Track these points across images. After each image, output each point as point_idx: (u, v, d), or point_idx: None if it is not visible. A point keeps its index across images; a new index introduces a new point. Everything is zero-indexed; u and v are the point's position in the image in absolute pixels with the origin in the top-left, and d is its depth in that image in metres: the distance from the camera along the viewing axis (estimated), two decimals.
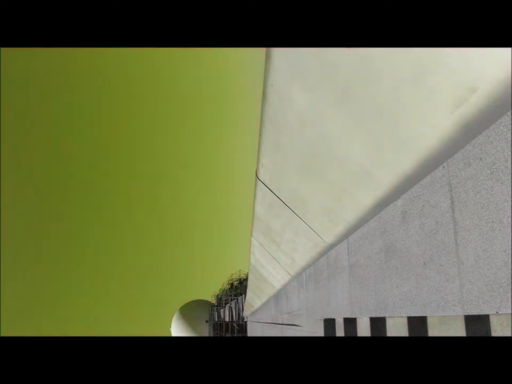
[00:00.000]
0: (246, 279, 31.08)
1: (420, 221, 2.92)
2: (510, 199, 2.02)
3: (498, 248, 2.11)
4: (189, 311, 46.46)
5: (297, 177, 4.05)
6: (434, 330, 2.77)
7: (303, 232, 5.10)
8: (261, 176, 4.98)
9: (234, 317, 37.54)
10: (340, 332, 4.94)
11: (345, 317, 4.73)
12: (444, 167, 2.59)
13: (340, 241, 4.64)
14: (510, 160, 2.02)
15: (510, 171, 2.02)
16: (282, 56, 2.70)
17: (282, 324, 10.57)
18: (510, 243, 2.02)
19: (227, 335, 36.65)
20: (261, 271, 10.51)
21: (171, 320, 47.04)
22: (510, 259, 2.02)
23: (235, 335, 35.23)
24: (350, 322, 4.53)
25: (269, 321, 14.18)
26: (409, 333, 3.13)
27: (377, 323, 3.74)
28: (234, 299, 37.61)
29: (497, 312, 2.12)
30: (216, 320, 41.10)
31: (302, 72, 2.66)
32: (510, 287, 2.01)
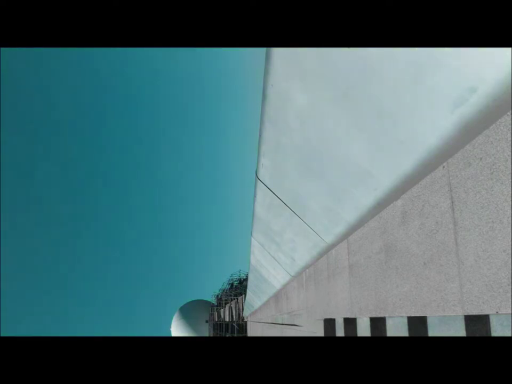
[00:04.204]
0: (246, 279, 31.09)
1: (419, 221, 2.92)
2: (510, 199, 2.02)
3: (498, 248, 2.11)
4: (189, 311, 46.50)
5: (297, 177, 4.05)
6: (434, 330, 2.77)
7: (303, 232, 5.10)
8: (261, 176, 4.98)
9: (234, 317, 37.54)
10: (340, 332, 4.94)
11: (345, 317, 4.73)
12: (443, 167, 2.59)
13: (339, 241, 4.64)
14: (510, 160, 2.02)
15: (510, 171, 2.02)
16: (282, 56, 2.70)
17: (282, 324, 10.57)
18: (510, 243, 2.02)
19: (227, 335, 36.65)
20: (261, 271, 10.51)
21: (171, 320, 47.07)
22: (510, 259, 2.02)
23: (235, 335, 35.22)
24: (350, 322, 4.53)
25: (269, 321, 14.17)
26: (409, 333, 3.13)
27: (377, 323, 3.74)
28: (234, 299, 37.61)
29: (497, 312, 2.12)
30: (216, 320, 41.09)
31: (302, 72, 2.66)
32: (510, 287, 2.01)
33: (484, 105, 1.88)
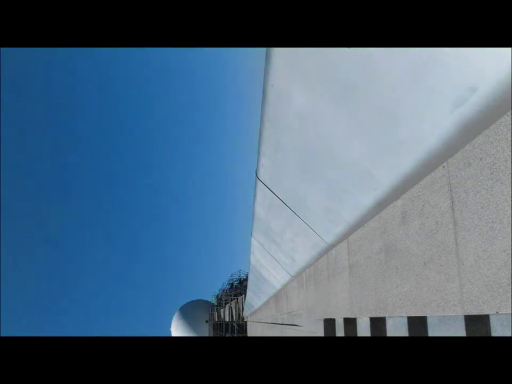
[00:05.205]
0: (246, 279, 31.10)
1: (419, 221, 2.92)
2: (510, 199, 2.02)
3: (498, 248, 2.11)
4: (189, 311, 46.50)
5: (297, 177, 4.05)
6: (434, 330, 2.77)
7: (303, 232, 5.10)
8: (261, 176, 4.98)
9: (234, 317, 37.55)
10: (340, 332, 4.94)
11: (345, 317, 4.73)
12: (443, 167, 2.59)
13: (339, 241, 4.64)
14: (510, 160, 2.02)
15: (510, 171, 2.02)
16: (282, 56, 2.70)
17: (282, 324, 10.57)
18: (510, 243, 2.02)
19: (227, 335, 36.65)
20: (261, 271, 10.51)
21: (171, 320, 47.08)
22: (510, 259, 2.01)
23: (235, 335, 35.23)
24: (350, 322, 4.53)
25: (269, 321, 14.17)
26: (409, 333, 3.13)
27: (377, 323, 3.74)
28: (234, 299, 37.62)
29: (497, 312, 2.12)
30: (216, 320, 41.10)
31: (302, 72, 2.66)
32: (510, 287, 2.01)
33: (483, 105, 1.87)
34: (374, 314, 3.78)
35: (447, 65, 1.84)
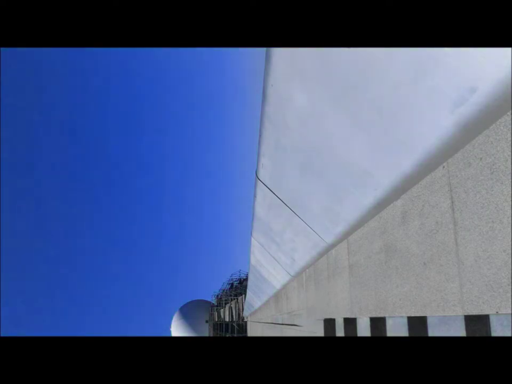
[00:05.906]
0: (246, 279, 31.11)
1: (419, 221, 2.92)
2: (510, 199, 2.02)
3: (498, 248, 2.11)
4: (189, 311, 46.52)
5: (297, 177, 4.05)
6: (434, 330, 2.77)
7: (303, 232, 5.10)
8: (261, 176, 4.98)
9: (234, 317, 37.55)
10: (340, 332, 4.94)
11: (345, 317, 4.73)
12: (443, 167, 2.59)
13: (340, 241, 4.64)
14: (510, 160, 2.02)
15: (510, 171, 2.02)
16: (282, 56, 2.70)
17: (282, 324, 10.57)
18: (510, 243, 2.02)
19: (227, 335, 36.66)
20: (261, 271, 10.51)
21: (171, 320, 47.10)
22: (510, 259, 2.02)
23: (235, 335, 35.24)
24: (350, 322, 4.53)
25: (269, 321, 14.17)
26: (409, 333, 3.13)
27: (377, 323, 3.74)
28: (234, 299, 37.63)
29: (497, 312, 2.12)
30: (216, 320, 41.11)
31: (302, 72, 2.66)
32: (510, 287, 2.01)
33: (483, 105, 1.88)
34: (374, 314, 3.78)
35: (447, 65, 1.84)
